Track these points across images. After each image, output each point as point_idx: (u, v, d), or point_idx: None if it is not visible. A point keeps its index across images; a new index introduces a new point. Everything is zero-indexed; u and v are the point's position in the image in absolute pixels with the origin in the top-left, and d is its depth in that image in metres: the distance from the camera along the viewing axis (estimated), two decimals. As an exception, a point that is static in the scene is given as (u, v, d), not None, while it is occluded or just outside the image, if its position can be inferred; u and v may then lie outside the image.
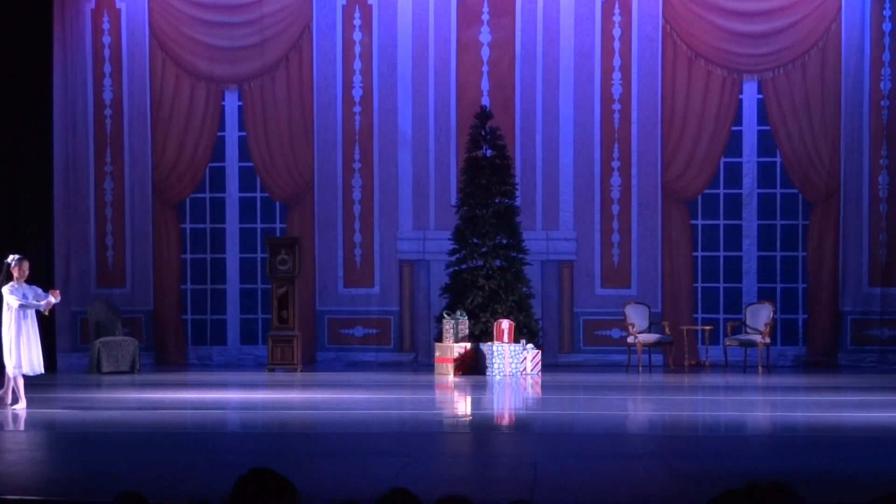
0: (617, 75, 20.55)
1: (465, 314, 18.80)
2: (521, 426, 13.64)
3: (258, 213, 21.01)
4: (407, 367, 20.23)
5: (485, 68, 20.69)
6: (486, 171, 19.32)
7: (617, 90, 20.56)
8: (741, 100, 20.48)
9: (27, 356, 13.80)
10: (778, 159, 20.46)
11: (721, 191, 20.57)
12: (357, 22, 20.79)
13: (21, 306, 13.75)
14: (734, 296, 20.53)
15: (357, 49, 20.79)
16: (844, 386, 17.49)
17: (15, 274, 13.89)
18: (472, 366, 18.62)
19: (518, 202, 19.66)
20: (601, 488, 8.61)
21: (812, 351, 20.35)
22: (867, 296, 20.27)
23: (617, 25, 20.52)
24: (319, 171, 20.83)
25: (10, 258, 14.03)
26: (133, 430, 12.30)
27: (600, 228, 20.57)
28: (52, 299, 13.91)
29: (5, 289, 13.83)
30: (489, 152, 19.45)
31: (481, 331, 18.84)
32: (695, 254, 20.57)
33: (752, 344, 19.51)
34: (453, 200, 20.00)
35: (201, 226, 21.00)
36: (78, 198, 20.65)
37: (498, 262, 19.25)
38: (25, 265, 13.98)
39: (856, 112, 20.20)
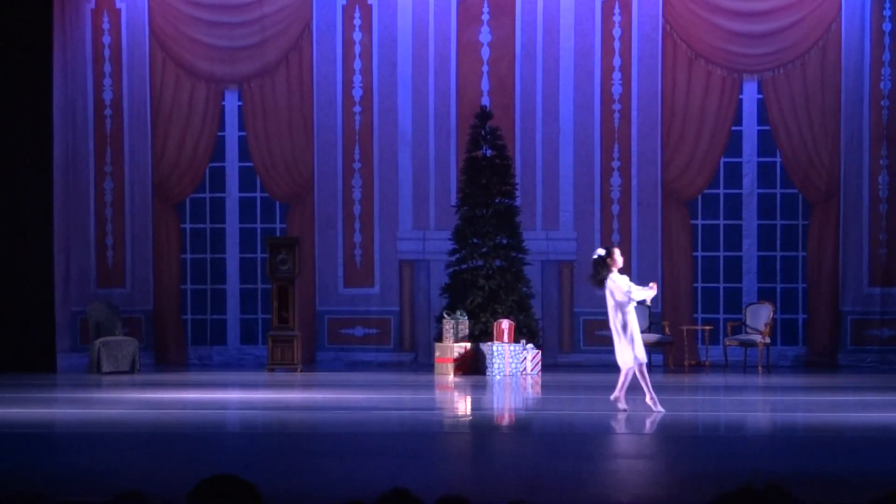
0: (617, 75, 20.54)
1: (465, 314, 18.79)
2: (521, 426, 13.64)
3: (258, 213, 21.00)
4: (407, 367, 20.22)
5: (485, 68, 20.69)
6: (486, 171, 19.32)
7: (617, 90, 20.55)
8: (741, 100, 20.47)
9: (640, 346, 13.36)
10: (778, 159, 20.45)
11: (721, 191, 20.56)
12: (357, 22, 20.79)
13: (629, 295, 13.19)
14: (734, 296, 20.52)
15: (357, 49, 20.78)
16: (844, 386, 17.48)
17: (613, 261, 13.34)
18: (472, 366, 18.62)
19: (518, 202, 19.65)
20: (601, 488, 8.61)
21: (812, 351, 20.34)
22: (867, 296, 20.26)
23: (617, 25, 20.52)
24: (319, 171, 20.82)
25: (603, 250, 13.52)
26: (133, 430, 12.30)
27: (600, 228, 20.56)
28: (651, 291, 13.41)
29: (618, 279, 13.33)
30: (489, 152, 19.44)
31: (481, 331, 18.83)
32: (695, 254, 20.56)
33: (752, 344, 19.50)
34: (453, 200, 20.00)
35: (201, 226, 21.00)
36: (78, 198, 20.64)
37: (498, 262, 19.24)
38: (617, 254, 13.50)
39: (856, 112, 20.18)
